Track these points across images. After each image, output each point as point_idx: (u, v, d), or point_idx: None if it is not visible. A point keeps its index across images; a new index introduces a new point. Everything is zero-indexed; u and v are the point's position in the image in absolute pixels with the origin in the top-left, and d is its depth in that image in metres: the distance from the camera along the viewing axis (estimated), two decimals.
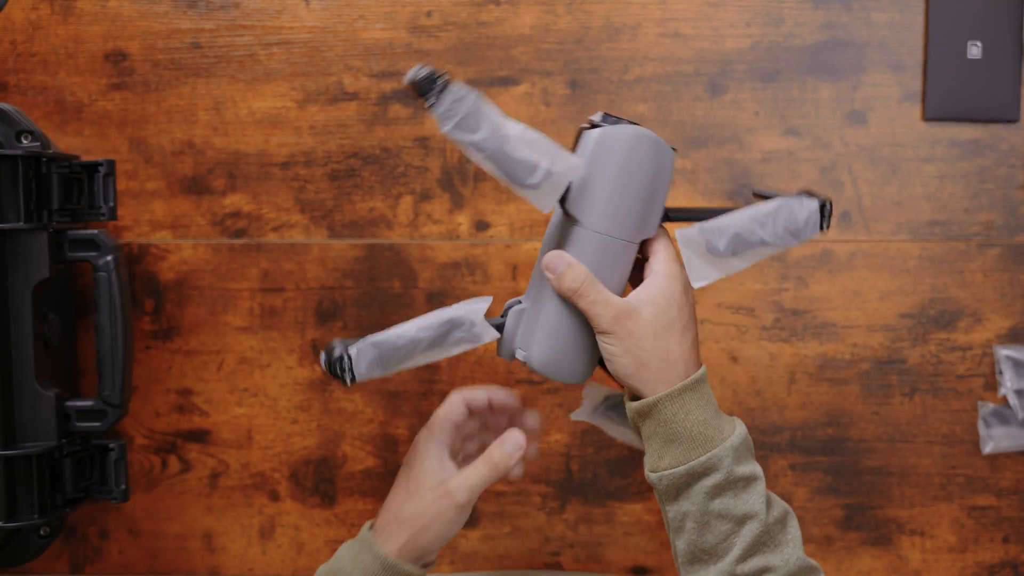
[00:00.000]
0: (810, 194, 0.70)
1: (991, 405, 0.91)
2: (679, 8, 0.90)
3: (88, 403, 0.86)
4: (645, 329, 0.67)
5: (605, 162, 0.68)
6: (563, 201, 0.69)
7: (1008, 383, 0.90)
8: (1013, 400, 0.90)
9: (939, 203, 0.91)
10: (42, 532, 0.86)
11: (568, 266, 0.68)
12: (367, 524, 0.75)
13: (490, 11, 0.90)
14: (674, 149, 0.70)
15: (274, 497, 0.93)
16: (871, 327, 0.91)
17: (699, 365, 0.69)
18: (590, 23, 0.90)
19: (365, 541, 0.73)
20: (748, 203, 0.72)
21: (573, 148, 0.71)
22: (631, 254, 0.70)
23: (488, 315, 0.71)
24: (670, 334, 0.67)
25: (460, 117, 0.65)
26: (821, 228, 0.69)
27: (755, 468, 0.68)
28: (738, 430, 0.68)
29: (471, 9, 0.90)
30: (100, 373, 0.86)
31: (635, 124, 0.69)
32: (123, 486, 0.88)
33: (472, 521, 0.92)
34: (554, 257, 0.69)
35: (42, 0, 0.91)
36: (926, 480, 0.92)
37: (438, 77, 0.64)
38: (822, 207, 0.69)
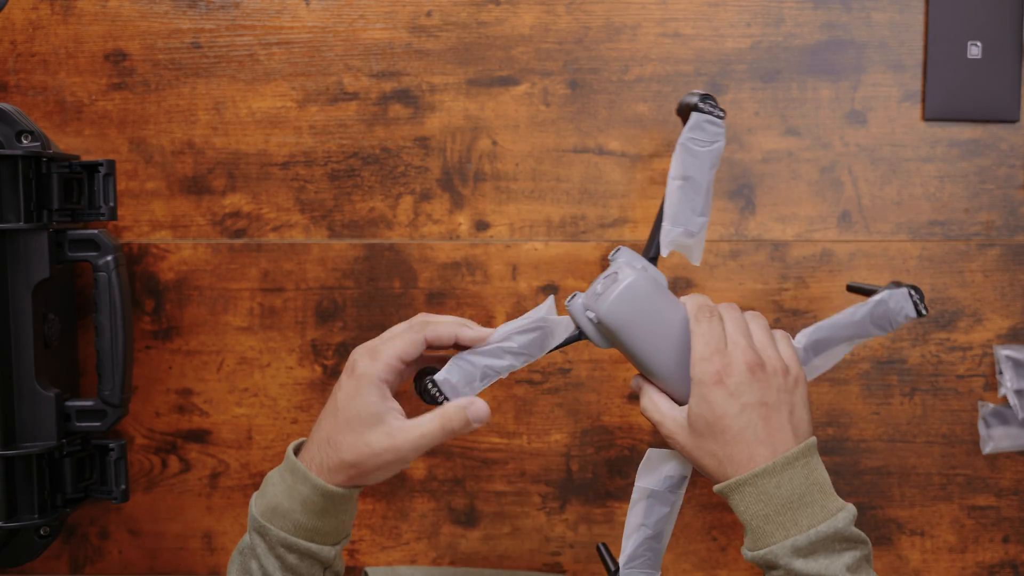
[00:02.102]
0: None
1: (991, 405, 0.91)
2: (679, 8, 0.90)
3: (88, 403, 0.86)
4: (686, 447, 0.72)
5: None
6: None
7: (1008, 383, 0.90)
8: (1013, 400, 0.90)
9: (939, 203, 0.91)
10: (42, 532, 0.86)
11: (639, 387, 0.76)
12: (291, 447, 0.71)
13: (490, 11, 0.90)
14: None
15: None
16: None
17: (743, 465, 0.69)
18: (590, 23, 0.90)
19: (297, 472, 0.68)
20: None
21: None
22: None
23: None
24: (706, 440, 0.70)
25: (462, 384, 0.71)
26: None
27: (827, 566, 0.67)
28: (819, 528, 0.67)
29: (471, 9, 0.90)
30: (100, 373, 0.86)
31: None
32: (123, 486, 0.89)
33: (472, 521, 0.92)
34: None
35: (42, 0, 0.91)
36: (926, 480, 0.92)
37: (430, 384, 0.70)
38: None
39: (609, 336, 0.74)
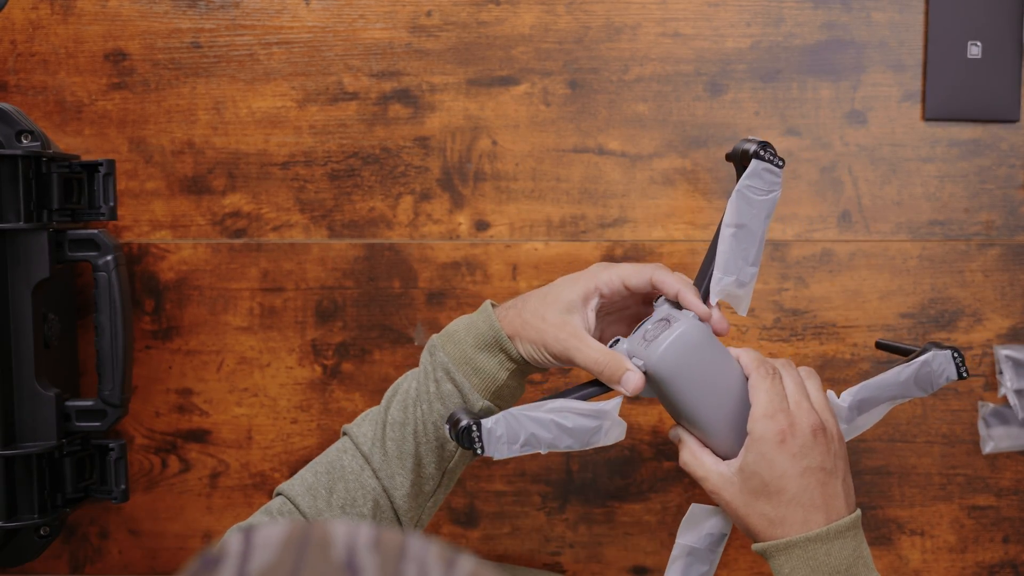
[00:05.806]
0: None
1: (991, 405, 0.91)
2: (679, 8, 0.90)
3: (88, 403, 0.86)
4: (732, 504, 0.69)
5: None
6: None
7: (1008, 383, 0.90)
8: (1013, 400, 0.90)
9: (939, 203, 0.91)
10: (42, 532, 0.86)
11: (679, 440, 0.72)
12: (488, 301, 0.75)
13: (490, 11, 0.90)
14: None
15: None
16: (871, 327, 0.91)
17: (796, 529, 0.67)
18: (590, 23, 0.90)
19: (484, 312, 0.73)
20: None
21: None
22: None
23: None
24: (759, 500, 0.68)
25: (504, 440, 0.68)
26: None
27: None
28: None
29: (471, 9, 0.90)
30: (100, 373, 0.86)
31: None
32: (123, 486, 0.89)
33: (472, 521, 0.92)
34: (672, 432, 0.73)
35: (42, 0, 0.91)
36: (926, 480, 0.92)
37: (474, 427, 0.67)
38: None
39: (655, 385, 0.70)
